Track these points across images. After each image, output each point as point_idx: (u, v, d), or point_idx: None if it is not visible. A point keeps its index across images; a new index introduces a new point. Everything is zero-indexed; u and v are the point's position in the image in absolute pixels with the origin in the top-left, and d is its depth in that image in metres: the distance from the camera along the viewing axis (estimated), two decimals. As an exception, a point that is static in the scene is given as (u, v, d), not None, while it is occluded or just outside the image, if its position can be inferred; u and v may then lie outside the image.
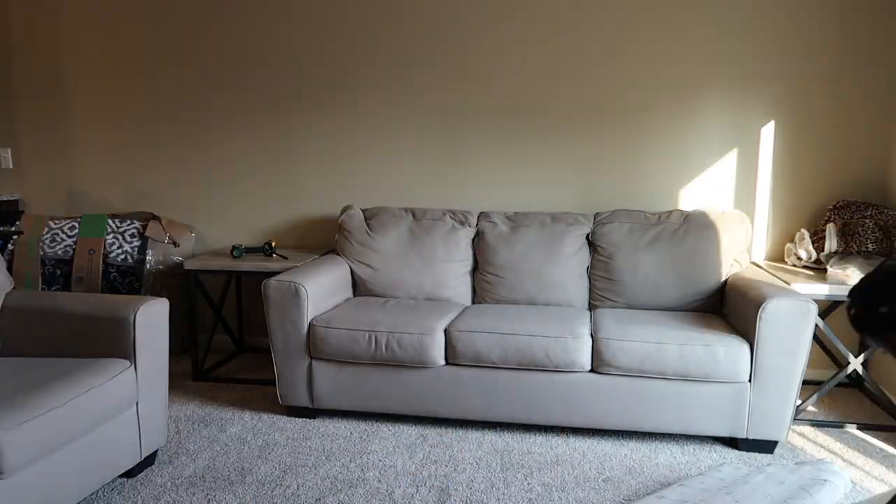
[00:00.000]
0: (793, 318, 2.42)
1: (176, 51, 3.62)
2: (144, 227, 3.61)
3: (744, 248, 3.04)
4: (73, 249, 3.55)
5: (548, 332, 2.59)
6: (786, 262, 3.15)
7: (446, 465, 2.46)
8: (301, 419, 2.86)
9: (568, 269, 3.04)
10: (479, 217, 3.26)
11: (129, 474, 2.35)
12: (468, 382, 2.68)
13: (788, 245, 3.13)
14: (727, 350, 2.48)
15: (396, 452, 2.56)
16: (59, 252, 3.55)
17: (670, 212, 3.12)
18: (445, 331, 2.68)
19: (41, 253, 3.55)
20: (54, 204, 3.87)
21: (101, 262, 3.53)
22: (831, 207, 3.06)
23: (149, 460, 2.42)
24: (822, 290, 2.70)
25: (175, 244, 3.62)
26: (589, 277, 3.10)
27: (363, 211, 3.35)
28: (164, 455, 2.52)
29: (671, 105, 3.26)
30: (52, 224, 3.61)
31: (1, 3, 3.72)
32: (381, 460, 2.50)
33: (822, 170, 3.20)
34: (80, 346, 2.28)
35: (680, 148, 3.29)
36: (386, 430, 2.76)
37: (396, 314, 2.78)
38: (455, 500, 2.22)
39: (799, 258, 3.02)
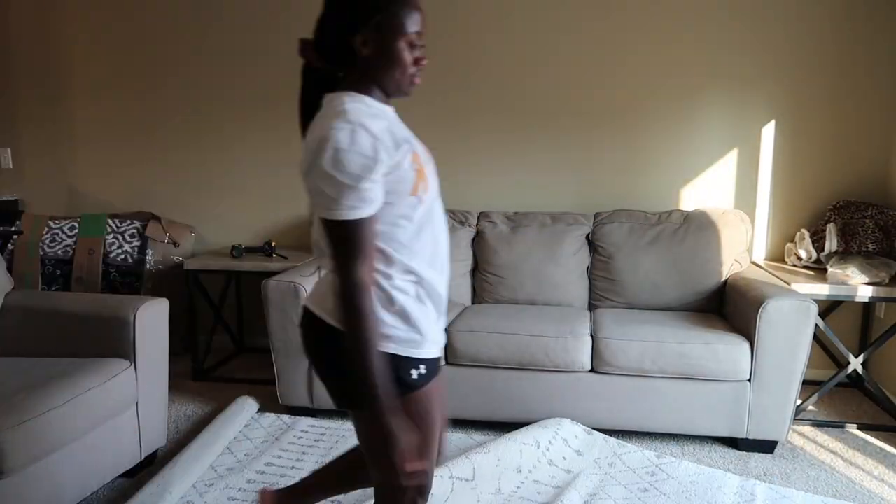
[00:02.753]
0: (793, 317, 2.42)
1: (175, 51, 3.62)
2: (144, 227, 3.61)
3: (744, 248, 3.04)
4: (73, 249, 3.55)
5: (548, 332, 2.59)
6: (786, 262, 3.15)
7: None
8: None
9: (568, 269, 3.04)
10: (479, 217, 3.26)
11: (129, 474, 2.35)
12: (468, 382, 2.68)
13: (788, 245, 3.13)
14: (727, 350, 2.48)
15: (396, 452, 2.56)
16: (59, 252, 3.55)
17: (670, 212, 3.12)
18: (445, 330, 2.68)
19: (41, 253, 3.55)
20: (54, 204, 3.87)
21: (101, 262, 3.53)
22: (831, 207, 3.06)
23: (149, 460, 2.41)
24: (822, 290, 2.70)
25: (175, 244, 3.62)
26: (589, 277, 3.10)
27: (363, 211, 3.34)
28: (164, 455, 2.52)
29: (671, 105, 3.26)
30: (52, 224, 3.61)
31: (1, 3, 3.72)
32: (381, 460, 2.49)
33: (822, 170, 3.20)
34: (80, 346, 2.27)
35: (680, 148, 3.28)
36: (386, 430, 2.76)
37: (396, 314, 2.77)
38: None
39: (799, 258, 3.02)
